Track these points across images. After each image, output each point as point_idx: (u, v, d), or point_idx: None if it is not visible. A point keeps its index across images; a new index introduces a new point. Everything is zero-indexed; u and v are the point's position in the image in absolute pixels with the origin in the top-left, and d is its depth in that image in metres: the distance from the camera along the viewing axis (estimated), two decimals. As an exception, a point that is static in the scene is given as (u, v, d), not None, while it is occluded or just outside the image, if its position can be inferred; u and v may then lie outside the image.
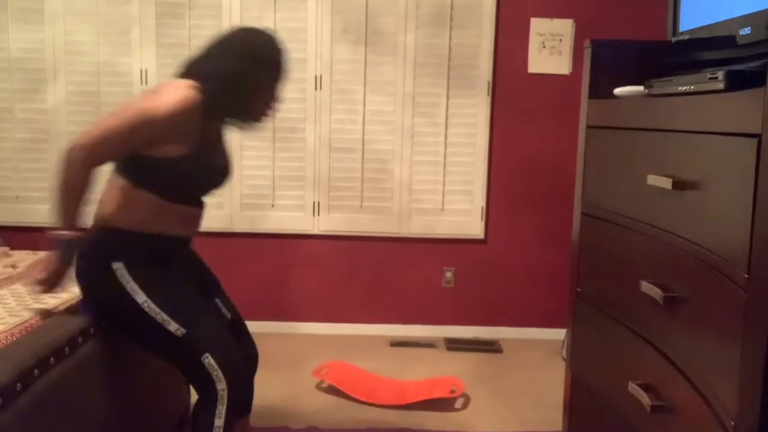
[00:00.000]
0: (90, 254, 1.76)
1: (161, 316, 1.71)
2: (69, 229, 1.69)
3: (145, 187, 1.75)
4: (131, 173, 1.75)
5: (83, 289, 1.80)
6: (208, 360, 1.71)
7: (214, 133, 1.87)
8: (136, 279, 1.72)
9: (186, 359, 1.74)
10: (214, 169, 1.87)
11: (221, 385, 1.72)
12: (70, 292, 2.01)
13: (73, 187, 1.68)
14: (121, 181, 1.77)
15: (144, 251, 1.76)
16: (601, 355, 1.89)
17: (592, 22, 3.56)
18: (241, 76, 1.75)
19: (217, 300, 2.00)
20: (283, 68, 1.83)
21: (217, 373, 1.71)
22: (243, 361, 1.87)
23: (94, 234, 1.78)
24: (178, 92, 1.67)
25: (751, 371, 1.15)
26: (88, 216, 1.78)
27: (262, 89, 1.82)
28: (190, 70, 1.78)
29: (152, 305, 1.71)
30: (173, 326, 1.71)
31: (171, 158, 1.71)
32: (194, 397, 2.60)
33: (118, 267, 1.72)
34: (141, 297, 1.71)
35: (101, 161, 1.70)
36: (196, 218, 1.90)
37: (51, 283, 1.74)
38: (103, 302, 1.77)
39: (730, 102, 1.26)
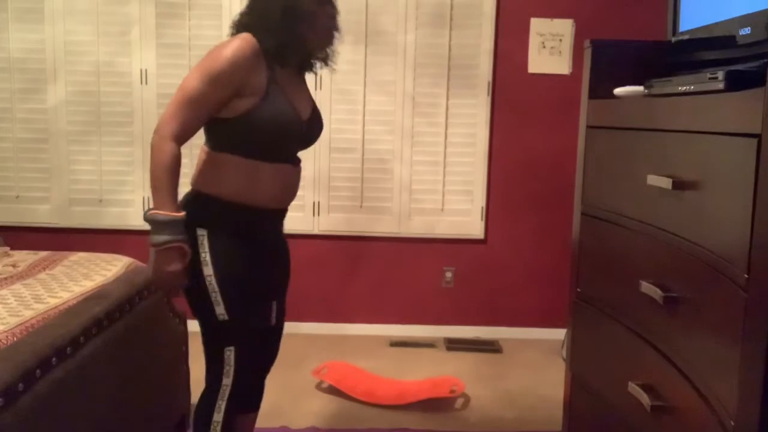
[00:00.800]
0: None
1: (216, 295, 1.69)
2: (170, 210, 1.62)
3: (228, 149, 1.70)
4: (213, 138, 1.73)
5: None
6: (230, 353, 1.72)
7: (289, 81, 1.76)
8: (211, 250, 1.69)
9: (213, 342, 1.75)
10: (294, 117, 1.73)
11: (227, 381, 1.73)
12: (71, 291, 2.01)
13: (164, 167, 1.62)
14: (207, 149, 1.74)
15: (230, 222, 1.71)
16: (601, 355, 1.89)
17: (592, 22, 3.56)
18: (287, 8, 1.67)
19: (274, 303, 1.93)
20: None
21: (229, 369, 1.72)
22: (261, 368, 1.92)
23: (187, 198, 1.75)
24: (231, 43, 1.65)
25: (751, 371, 1.15)
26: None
27: (310, 16, 1.72)
28: (238, 27, 1.75)
29: (213, 282, 1.68)
30: (220, 309, 1.69)
31: (246, 112, 1.65)
32: (194, 397, 2.60)
33: (202, 233, 1.69)
34: (208, 270, 1.69)
35: (183, 135, 1.65)
36: (290, 177, 1.79)
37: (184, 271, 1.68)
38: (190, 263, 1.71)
39: (730, 102, 1.26)
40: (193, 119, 1.65)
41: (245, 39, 1.65)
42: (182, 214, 1.64)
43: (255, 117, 1.65)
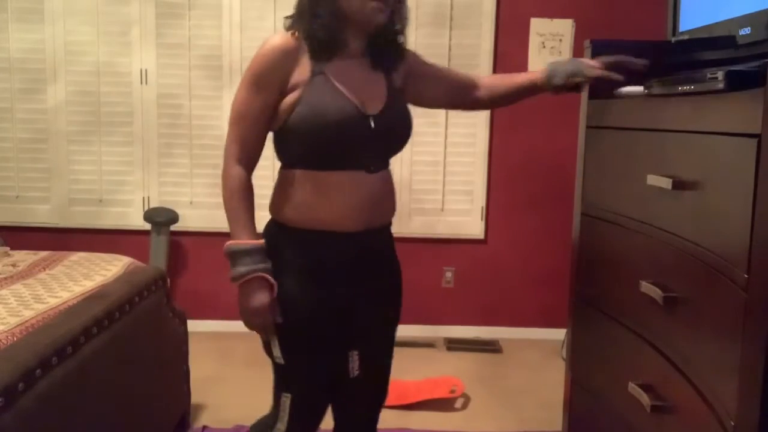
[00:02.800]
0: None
1: (273, 336, 1.52)
2: (246, 237, 1.47)
3: (289, 162, 1.51)
4: (278, 154, 1.54)
5: None
6: (286, 400, 1.55)
7: (349, 74, 1.49)
8: (279, 286, 1.49)
9: (275, 381, 1.59)
10: (347, 107, 1.45)
11: (280, 426, 1.58)
12: (71, 291, 2.01)
13: (231, 193, 1.48)
14: (279, 172, 1.56)
15: (294, 253, 1.50)
16: (601, 355, 1.89)
17: (592, 22, 3.56)
18: None
19: (355, 353, 1.60)
20: None
21: (284, 415, 1.56)
22: (317, 420, 1.63)
23: (265, 227, 1.58)
24: (264, 43, 1.49)
25: (751, 371, 1.15)
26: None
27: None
28: (285, 24, 1.55)
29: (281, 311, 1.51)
30: (276, 351, 1.53)
31: (290, 109, 1.45)
32: (194, 397, 2.61)
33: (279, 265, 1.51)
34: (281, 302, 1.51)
35: (245, 154, 1.50)
36: (366, 187, 1.49)
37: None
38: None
39: (730, 102, 1.26)
40: (250, 134, 1.49)
41: (278, 34, 1.49)
42: (261, 241, 1.48)
43: (298, 112, 1.44)
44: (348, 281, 1.54)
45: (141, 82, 3.54)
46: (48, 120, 3.57)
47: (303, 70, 1.46)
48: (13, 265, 2.32)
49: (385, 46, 1.56)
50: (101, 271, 2.27)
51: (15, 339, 1.60)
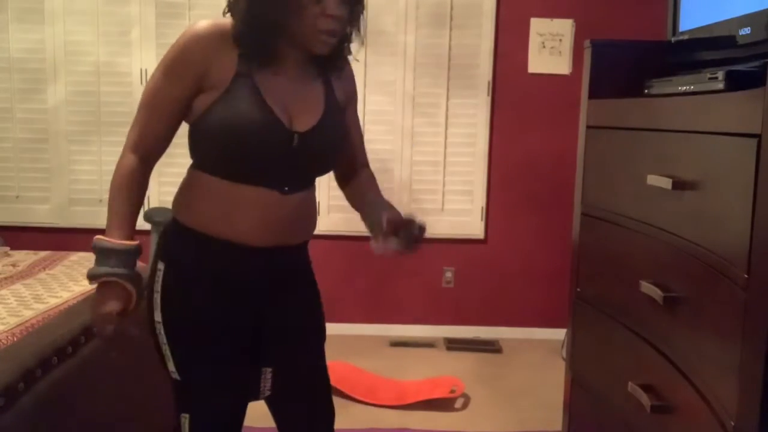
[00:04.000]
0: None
1: (165, 348, 1.37)
2: (116, 236, 1.33)
3: (200, 165, 1.36)
4: (190, 151, 1.38)
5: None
6: (184, 421, 1.39)
7: (279, 80, 1.33)
8: (163, 289, 1.36)
9: (174, 401, 1.43)
10: (267, 120, 1.28)
11: None
12: (71, 291, 2.01)
13: (114, 184, 1.35)
14: (189, 167, 1.41)
15: (196, 257, 1.36)
16: (601, 355, 1.89)
17: (592, 22, 3.56)
18: None
19: (267, 369, 1.44)
20: None
21: None
22: None
23: (165, 227, 1.45)
24: (189, 28, 1.34)
25: (751, 371, 1.15)
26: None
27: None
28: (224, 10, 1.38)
29: (162, 331, 1.36)
30: (171, 365, 1.38)
31: (205, 111, 1.29)
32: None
33: (159, 268, 1.38)
34: (158, 315, 1.36)
35: (142, 142, 1.37)
36: (274, 209, 1.34)
37: (123, 312, 1.34)
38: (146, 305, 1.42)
39: (730, 102, 1.26)
40: (152, 122, 1.35)
41: (207, 22, 1.33)
42: (131, 243, 1.32)
43: (212, 116, 1.28)
44: (253, 294, 1.39)
45: (141, 82, 3.54)
46: (48, 120, 3.57)
47: (226, 67, 1.28)
48: (13, 265, 2.32)
49: (330, 58, 1.37)
50: (101, 271, 2.27)
51: (15, 339, 1.60)
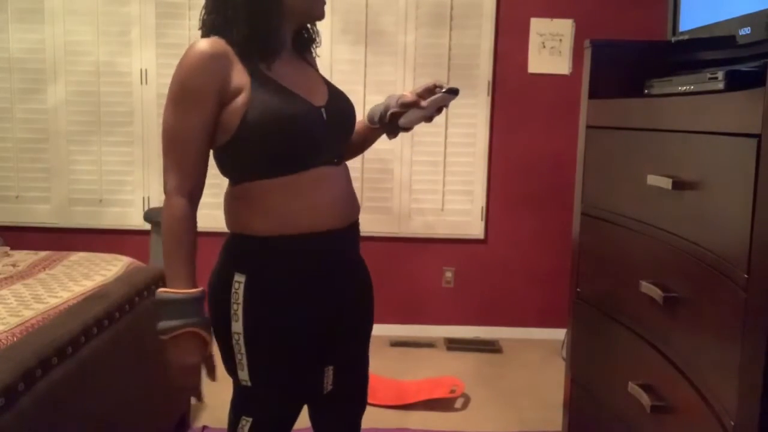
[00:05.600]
0: (217, 262, 1.44)
1: (241, 357, 1.37)
2: (180, 286, 1.30)
3: (245, 175, 1.36)
4: (227, 171, 1.40)
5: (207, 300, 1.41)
6: (245, 424, 1.41)
7: (285, 69, 1.37)
8: (245, 302, 1.35)
9: (234, 404, 1.45)
10: (299, 102, 1.34)
11: None
12: (71, 291, 2.01)
13: (168, 231, 1.32)
14: (228, 188, 1.42)
15: (275, 266, 1.36)
16: (601, 355, 1.89)
17: (592, 22, 3.56)
18: None
19: (330, 367, 1.48)
20: None
21: None
22: None
23: (224, 244, 1.44)
24: (184, 58, 1.31)
25: (751, 371, 1.15)
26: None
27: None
28: (203, 30, 1.39)
29: (241, 341, 1.36)
30: (243, 374, 1.38)
31: (241, 118, 1.29)
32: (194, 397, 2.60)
33: (239, 280, 1.36)
34: (237, 326, 1.35)
35: (185, 182, 1.32)
36: (334, 180, 1.38)
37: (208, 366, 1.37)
38: (210, 307, 1.41)
39: (730, 102, 1.26)
40: (189, 159, 1.31)
41: (201, 43, 1.30)
42: (198, 290, 1.31)
43: (251, 118, 1.29)
44: (331, 283, 1.41)
45: (141, 82, 3.54)
46: (48, 120, 3.57)
47: (239, 75, 1.31)
48: (13, 265, 2.32)
49: (307, 34, 1.48)
50: (101, 271, 2.27)
51: (15, 339, 1.60)
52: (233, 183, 1.40)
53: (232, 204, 1.40)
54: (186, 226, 1.32)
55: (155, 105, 3.55)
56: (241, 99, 1.29)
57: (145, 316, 2.11)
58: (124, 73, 3.54)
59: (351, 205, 1.44)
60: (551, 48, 3.59)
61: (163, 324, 1.28)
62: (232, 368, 1.40)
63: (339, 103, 1.44)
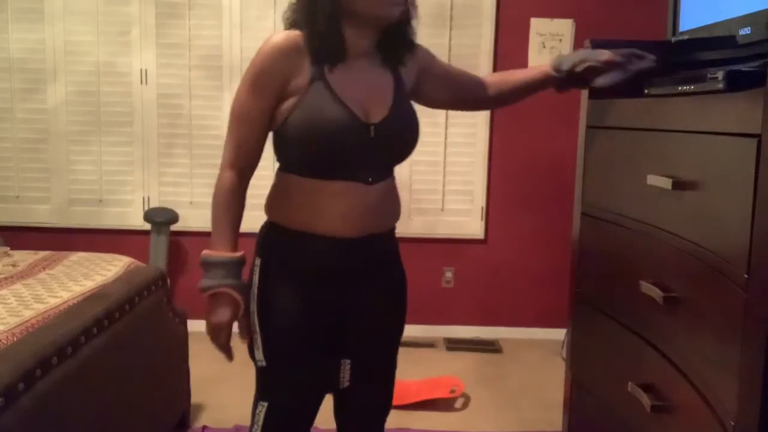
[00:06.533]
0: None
1: (257, 337, 1.45)
2: (221, 249, 1.41)
3: (286, 167, 1.45)
4: (277, 157, 1.46)
5: None
6: (261, 410, 1.47)
7: (352, 78, 1.40)
8: (260, 282, 1.45)
9: (256, 390, 1.51)
10: (342, 116, 1.35)
11: None
12: (71, 291, 2.01)
13: (216, 200, 1.43)
14: (276, 172, 1.49)
15: (288, 252, 1.44)
16: (601, 355, 1.89)
17: (592, 22, 3.56)
18: None
19: (347, 361, 1.51)
20: None
21: (257, 428, 1.47)
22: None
23: (261, 228, 1.54)
24: (265, 43, 1.39)
25: (751, 371, 1.15)
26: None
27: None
28: (285, 24, 1.46)
29: (256, 320, 1.45)
30: (259, 353, 1.46)
31: (286, 117, 1.37)
32: (194, 397, 2.61)
33: (257, 263, 1.47)
34: (253, 305, 1.45)
35: (238, 158, 1.42)
36: (360, 199, 1.40)
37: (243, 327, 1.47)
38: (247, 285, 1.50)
39: (730, 102, 1.26)
40: (246, 138, 1.41)
41: (279, 35, 1.39)
42: (237, 254, 1.42)
43: (293, 120, 1.36)
44: (342, 285, 1.46)
45: (141, 82, 3.54)
46: (48, 120, 3.57)
47: (303, 74, 1.37)
48: (13, 265, 2.32)
49: (396, 41, 1.47)
50: (101, 271, 2.27)
51: (15, 339, 1.60)
52: (280, 170, 1.47)
53: (272, 187, 1.49)
54: (232, 197, 1.42)
55: (155, 105, 3.55)
56: (293, 100, 1.36)
57: (145, 316, 2.11)
58: (124, 73, 3.54)
59: (373, 221, 1.44)
60: (551, 48, 3.59)
61: (202, 282, 1.41)
62: (251, 348, 1.48)
63: (396, 124, 1.44)
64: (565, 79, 1.63)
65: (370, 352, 1.54)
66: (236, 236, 1.44)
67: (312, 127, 1.34)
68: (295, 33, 1.39)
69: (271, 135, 1.45)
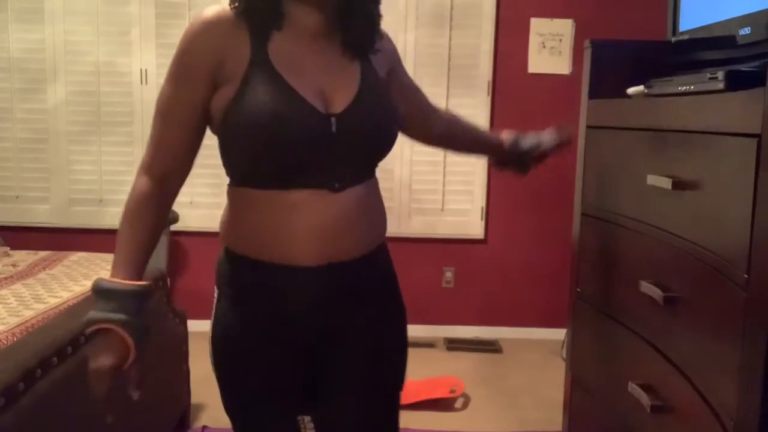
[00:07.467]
0: None
1: (214, 369, 1.23)
2: (119, 274, 1.12)
3: (233, 177, 1.19)
4: (224, 165, 1.20)
5: None
6: None
7: (304, 58, 1.13)
8: (215, 317, 1.22)
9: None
10: (294, 105, 1.08)
11: None
12: (71, 291, 2.01)
13: (124, 212, 1.14)
14: (228, 184, 1.22)
15: (240, 285, 1.19)
16: (601, 355, 1.89)
17: (592, 22, 3.56)
18: None
19: (306, 417, 1.20)
20: None
21: None
22: None
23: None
24: (191, 21, 1.14)
25: (751, 371, 1.15)
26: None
27: None
28: None
29: (210, 358, 1.23)
30: (220, 391, 1.24)
31: (225, 109, 1.10)
32: (194, 397, 2.61)
33: (215, 295, 1.23)
34: (210, 337, 1.23)
35: (154, 160, 1.15)
36: (325, 210, 1.12)
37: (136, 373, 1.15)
38: None
39: (730, 102, 1.26)
40: (166, 135, 1.14)
41: (213, 8, 1.12)
42: (137, 283, 1.10)
43: (232, 115, 1.08)
44: (310, 330, 1.18)
45: (141, 82, 3.54)
46: (48, 120, 3.57)
47: (240, 54, 1.09)
48: (13, 265, 2.32)
49: (354, 20, 1.17)
50: (101, 271, 2.27)
51: (15, 339, 1.60)
52: (229, 182, 1.21)
53: (226, 208, 1.22)
54: (141, 206, 1.13)
55: (155, 105, 3.54)
56: (228, 89, 1.09)
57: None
58: (124, 73, 3.54)
59: (343, 241, 1.14)
60: (551, 48, 3.59)
61: (88, 314, 1.10)
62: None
63: (364, 113, 1.14)
64: (513, 160, 1.56)
65: (340, 410, 1.23)
66: (143, 260, 1.14)
67: (254, 119, 1.06)
68: (224, 7, 1.13)
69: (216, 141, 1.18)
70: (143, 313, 1.11)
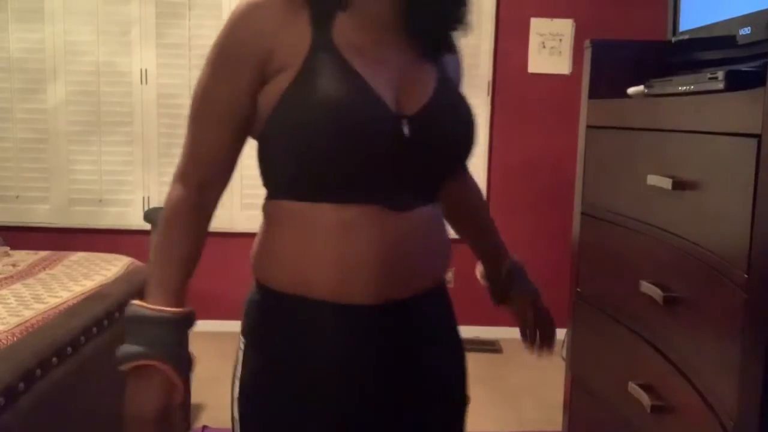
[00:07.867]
0: None
1: (237, 425, 0.99)
2: (157, 301, 0.94)
3: (275, 187, 0.98)
4: (263, 177, 1.00)
5: None
6: None
7: (377, 51, 0.94)
8: (243, 370, 0.99)
9: None
10: (364, 102, 0.89)
11: None
12: (71, 291, 2.01)
13: (160, 227, 0.99)
14: (265, 200, 1.01)
15: (271, 330, 0.97)
16: (601, 355, 1.89)
17: (592, 22, 3.56)
18: None
19: None
20: None
21: None
22: None
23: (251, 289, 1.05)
24: (237, 5, 0.94)
25: (751, 371, 1.15)
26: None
27: None
28: None
29: (236, 413, 0.99)
30: None
31: (276, 103, 0.90)
32: (194, 397, 2.60)
33: (242, 345, 1.00)
34: (235, 390, 0.99)
35: (191, 166, 0.98)
36: (380, 235, 0.92)
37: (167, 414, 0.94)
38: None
39: (730, 102, 1.26)
40: (204, 137, 0.96)
41: None
42: (177, 310, 0.93)
43: (286, 107, 0.89)
44: (358, 383, 0.96)
45: (141, 82, 3.54)
46: (48, 120, 3.57)
47: (298, 39, 0.91)
48: (13, 265, 2.32)
49: (422, 9, 0.96)
50: (101, 271, 2.27)
51: (15, 339, 1.60)
52: (266, 196, 1.00)
53: (262, 228, 1.01)
54: (177, 219, 0.97)
55: (155, 105, 3.55)
56: (285, 76, 0.90)
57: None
58: (124, 73, 3.54)
59: (405, 273, 0.95)
60: (551, 48, 3.59)
61: (122, 348, 0.91)
62: None
63: (440, 118, 0.95)
64: (496, 281, 1.49)
65: None
66: (181, 281, 0.96)
67: (314, 111, 0.87)
68: None
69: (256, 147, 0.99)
70: (186, 345, 0.95)
